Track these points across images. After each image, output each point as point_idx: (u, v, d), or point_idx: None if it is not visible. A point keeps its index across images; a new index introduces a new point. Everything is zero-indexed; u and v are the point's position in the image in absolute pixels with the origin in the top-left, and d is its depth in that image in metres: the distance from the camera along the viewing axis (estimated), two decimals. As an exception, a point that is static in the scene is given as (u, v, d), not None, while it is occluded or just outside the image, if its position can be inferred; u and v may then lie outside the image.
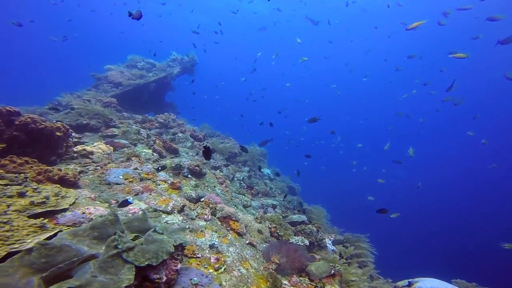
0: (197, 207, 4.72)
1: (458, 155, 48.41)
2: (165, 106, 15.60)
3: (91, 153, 5.91)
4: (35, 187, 3.14)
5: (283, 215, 6.88)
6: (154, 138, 7.39)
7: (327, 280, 3.88)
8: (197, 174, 6.40)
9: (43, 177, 3.67)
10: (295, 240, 5.18)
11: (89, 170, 4.93)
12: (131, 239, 2.46)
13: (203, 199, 5.07)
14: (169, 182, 5.38)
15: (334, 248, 6.12)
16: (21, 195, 2.91)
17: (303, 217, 6.95)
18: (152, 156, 6.51)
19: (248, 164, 10.38)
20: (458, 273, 5.58)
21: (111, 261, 2.01)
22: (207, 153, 4.04)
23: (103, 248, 2.25)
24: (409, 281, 5.22)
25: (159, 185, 5.16)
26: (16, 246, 2.10)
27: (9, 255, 2.00)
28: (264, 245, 4.81)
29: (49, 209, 2.97)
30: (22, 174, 3.31)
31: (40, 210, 2.86)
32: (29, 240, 2.19)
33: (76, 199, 3.51)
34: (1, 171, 3.25)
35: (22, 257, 1.89)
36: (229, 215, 4.80)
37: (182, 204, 4.49)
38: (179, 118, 11.87)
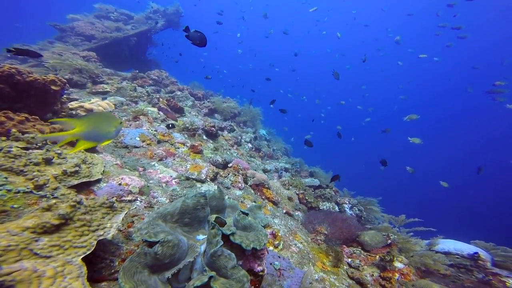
0: (228, 174, 4.27)
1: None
2: (148, 63, 14.09)
3: (91, 110, 5.08)
4: (58, 151, 2.49)
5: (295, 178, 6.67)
6: (158, 96, 6.56)
7: (384, 250, 3.77)
8: (213, 135, 5.84)
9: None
10: (326, 207, 5.01)
11: (97, 130, 4.20)
12: (213, 221, 2.03)
13: (230, 164, 4.61)
14: (188, 145, 4.81)
15: (352, 213, 6.10)
16: (48, 162, 2.27)
17: (316, 181, 6.81)
18: (159, 115, 5.79)
19: (248, 125, 9.89)
20: (475, 235, 5.80)
21: (218, 258, 1.61)
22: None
23: (203, 241, 1.82)
24: (428, 242, 5.34)
25: (179, 148, 4.59)
26: (101, 233, 1.59)
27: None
28: (297, 214, 4.58)
29: (84, 180, 2.38)
30: (40, 135, 2.60)
31: (76, 182, 2.27)
32: (108, 225, 1.67)
33: (104, 166, 2.91)
34: (14, 130, 2.52)
35: (146, 255, 1.50)
36: (261, 182, 4.43)
37: (215, 172, 4.02)
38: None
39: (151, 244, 1.69)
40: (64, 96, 4.81)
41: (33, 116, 3.39)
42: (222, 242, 1.66)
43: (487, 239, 5.47)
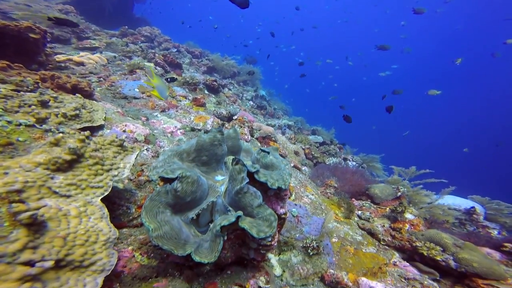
0: (233, 126, 4.07)
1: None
2: (136, 22, 12.99)
3: (82, 63, 4.70)
4: (54, 95, 2.23)
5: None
6: (153, 51, 6.12)
7: (393, 203, 3.73)
8: (214, 90, 5.54)
9: (51, 85, 2.69)
10: (333, 162, 4.93)
11: (92, 81, 3.88)
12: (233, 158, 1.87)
13: (235, 116, 4.40)
14: (189, 98, 4.54)
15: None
16: (44, 104, 2.02)
17: (319, 138, 6.72)
18: (156, 70, 5.42)
19: (248, 84, 9.53)
20: (472, 190, 5.84)
21: (244, 196, 1.47)
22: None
23: (222, 182, 1.67)
24: (439, 196, 5.37)
25: (181, 101, 4.33)
26: (115, 173, 1.43)
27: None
28: (304, 168, 4.49)
29: (86, 124, 2.17)
30: (30, 78, 2.32)
31: (78, 126, 2.06)
32: (121, 165, 1.49)
33: (105, 113, 2.67)
34: None
35: (167, 193, 1.39)
36: (268, 134, 4.26)
37: (220, 124, 3.82)
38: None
39: (170, 183, 1.54)
40: (48, 47, 4.36)
41: (16, 64, 3.05)
42: (248, 179, 1.50)
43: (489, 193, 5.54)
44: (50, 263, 1.01)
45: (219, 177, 1.81)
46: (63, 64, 4.30)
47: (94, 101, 2.74)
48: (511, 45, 9.62)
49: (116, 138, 1.60)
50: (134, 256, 1.59)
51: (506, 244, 3.13)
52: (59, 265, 1.08)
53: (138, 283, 1.49)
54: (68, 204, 1.18)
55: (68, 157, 1.28)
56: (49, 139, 1.35)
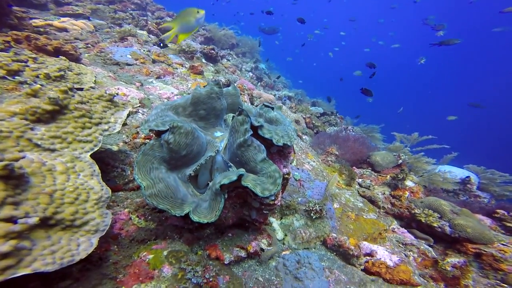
0: (233, 83, 3.93)
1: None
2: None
3: (64, 29, 4.39)
4: (33, 56, 2.05)
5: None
6: (145, 19, 5.77)
7: (394, 171, 3.67)
8: (212, 59, 5.30)
9: (28, 46, 2.48)
10: (333, 131, 4.83)
11: (78, 47, 3.64)
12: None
13: (235, 84, 4.23)
14: (186, 66, 4.34)
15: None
16: (21, 63, 1.86)
17: (320, 109, 6.60)
18: (150, 39, 5.13)
19: (247, 56, 9.19)
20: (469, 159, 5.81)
21: (247, 149, 1.35)
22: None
23: (222, 137, 1.55)
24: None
25: (177, 68, 4.14)
26: (106, 127, 1.32)
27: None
28: (304, 137, 4.39)
29: (74, 86, 2.01)
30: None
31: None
32: (112, 119, 1.38)
33: (95, 77, 2.51)
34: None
35: (161, 146, 1.30)
36: (268, 102, 4.11)
37: (218, 90, 3.66)
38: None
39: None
40: (17, 9, 3.95)
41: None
42: (251, 131, 1.38)
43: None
44: (34, 220, 0.92)
45: (218, 133, 1.70)
46: (42, 29, 3.96)
47: (81, 65, 2.56)
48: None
49: (105, 93, 1.47)
50: (131, 218, 1.52)
51: (498, 211, 3.27)
52: (48, 223, 1.00)
53: (137, 245, 1.43)
54: (53, 159, 1.07)
55: (48, 107, 1.15)
56: (26, 90, 1.21)
